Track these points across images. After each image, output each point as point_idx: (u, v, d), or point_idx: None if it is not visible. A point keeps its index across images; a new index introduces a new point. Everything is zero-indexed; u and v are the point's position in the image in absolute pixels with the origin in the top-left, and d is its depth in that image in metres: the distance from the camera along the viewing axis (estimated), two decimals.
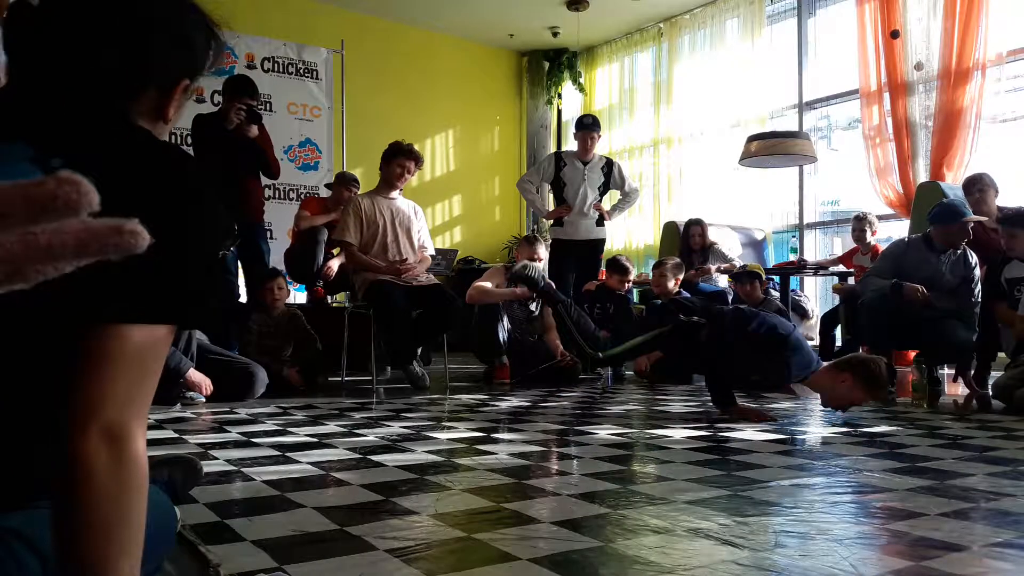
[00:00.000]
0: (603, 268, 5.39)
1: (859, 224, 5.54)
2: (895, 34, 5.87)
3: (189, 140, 4.99)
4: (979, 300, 3.85)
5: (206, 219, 0.78)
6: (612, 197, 5.69)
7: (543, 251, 4.97)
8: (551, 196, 5.60)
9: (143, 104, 0.83)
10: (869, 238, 5.52)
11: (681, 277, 5.03)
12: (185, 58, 0.86)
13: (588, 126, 5.30)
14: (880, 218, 5.75)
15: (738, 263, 5.68)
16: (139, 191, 0.74)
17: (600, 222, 5.39)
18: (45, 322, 0.73)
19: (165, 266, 0.74)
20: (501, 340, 4.59)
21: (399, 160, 4.39)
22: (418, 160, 4.49)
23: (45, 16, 0.80)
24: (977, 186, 4.55)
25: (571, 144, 5.75)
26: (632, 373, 5.01)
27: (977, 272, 3.87)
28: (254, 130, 4.37)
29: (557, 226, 5.41)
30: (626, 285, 5.12)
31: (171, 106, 0.85)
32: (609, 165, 5.40)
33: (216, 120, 4.38)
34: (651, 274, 5.30)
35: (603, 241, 5.53)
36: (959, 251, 3.89)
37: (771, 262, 6.52)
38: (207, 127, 4.38)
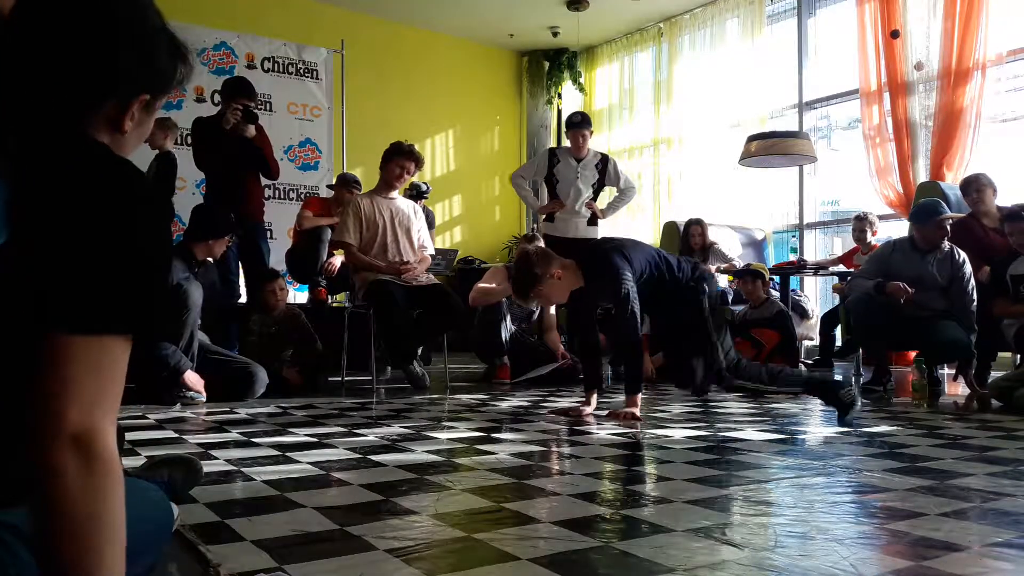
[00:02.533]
0: None
1: (859, 224, 5.54)
2: (895, 34, 5.87)
3: (189, 141, 5.00)
4: (975, 298, 3.83)
5: (146, 234, 0.79)
6: (609, 195, 5.65)
7: None
8: (546, 192, 5.57)
9: (102, 115, 0.85)
10: (869, 238, 5.51)
11: None
12: (147, 74, 0.87)
13: (577, 124, 5.26)
14: (880, 218, 5.75)
15: (738, 263, 5.68)
16: (76, 201, 0.75)
17: (593, 221, 5.33)
18: (10, 329, 0.75)
19: (101, 277, 0.75)
20: (503, 340, 4.58)
21: (399, 160, 4.38)
22: (418, 161, 4.47)
23: (18, 21, 0.82)
24: (974, 186, 4.54)
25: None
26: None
27: (967, 270, 3.84)
28: (251, 130, 4.37)
29: (549, 222, 5.38)
30: None
31: (127, 119, 0.86)
32: (604, 161, 5.34)
33: (215, 121, 4.39)
34: None
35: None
36: (945, 250, 3.88)
37: (771, 262, 6.51)
38: (206, 128, 4.40)
